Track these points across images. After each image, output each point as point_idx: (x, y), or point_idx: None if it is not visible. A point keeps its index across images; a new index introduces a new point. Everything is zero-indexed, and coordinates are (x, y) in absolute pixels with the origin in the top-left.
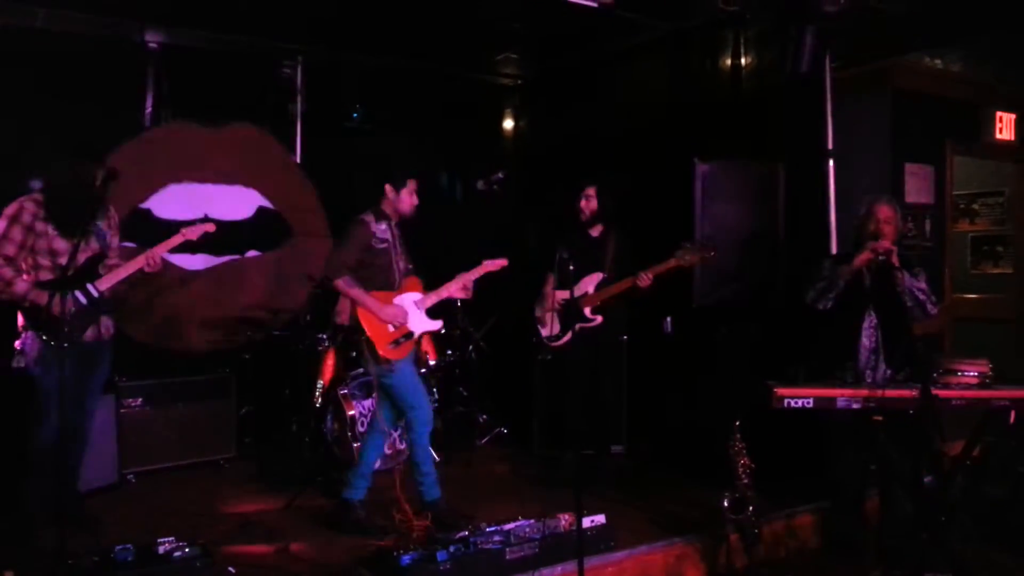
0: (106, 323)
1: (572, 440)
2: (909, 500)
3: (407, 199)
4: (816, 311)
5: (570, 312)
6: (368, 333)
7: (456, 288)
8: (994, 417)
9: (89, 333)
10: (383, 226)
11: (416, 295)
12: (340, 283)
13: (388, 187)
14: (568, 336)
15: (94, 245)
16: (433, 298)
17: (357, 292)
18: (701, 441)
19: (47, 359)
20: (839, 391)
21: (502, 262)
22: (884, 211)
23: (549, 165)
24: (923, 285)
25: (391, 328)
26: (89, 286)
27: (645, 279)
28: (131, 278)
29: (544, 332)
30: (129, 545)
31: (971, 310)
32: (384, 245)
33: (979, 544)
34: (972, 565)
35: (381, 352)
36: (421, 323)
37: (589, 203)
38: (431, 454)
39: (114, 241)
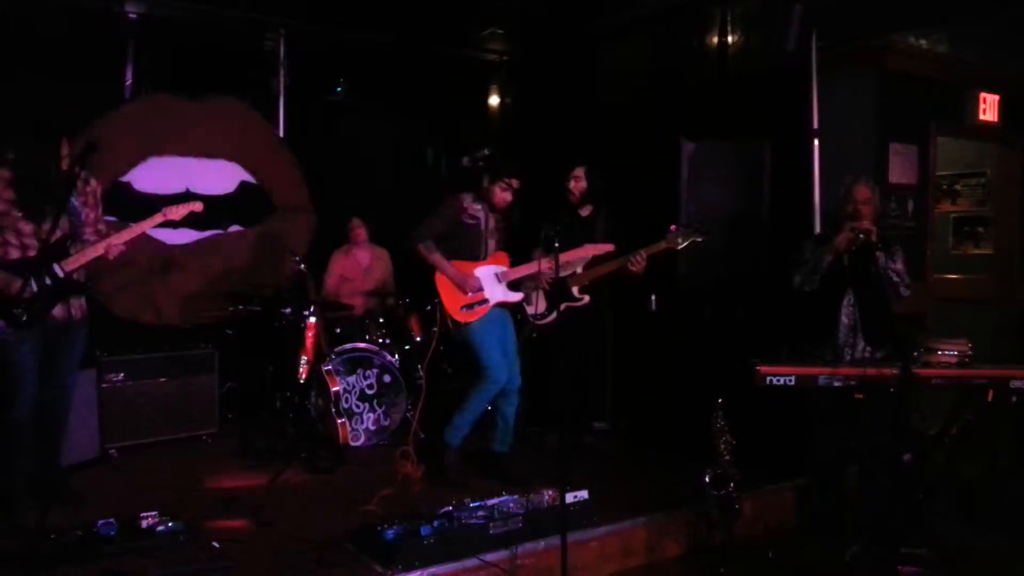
0: (77, 303)
1: (555, 418)
2: (887, 477)
3: (498, 194)
4: (801, 293)
5: (557, 291)
6: (442, 297)
7: (545, 266)
8: (973, 396)
9: (58, 311)
10: (479, 207)
11: (500, 268)
12: (421, 247)
13: (485, 178)
14: (555, 315)
15: (64, 224)
16: (514, 273)
17: (436, 258)
18: (684, 419)
19: (14, 340)
20: (821, 369)
21: (607, 247)
22: (862, 192)
23: (535, 143)
24: (899, 267)
25: (468, 294)
26: (55, 267)
27: (639, 261)
28: (95, 262)
29: (530, 310)
30: (112, 520)
31: (952, 290)
32: (474, 223)
33: (955, 521)
34: (948, 541)
35: (453, 315)
36: (499, 293)
37: (578, 183)
38: (473, 409)
39: (90, 215)
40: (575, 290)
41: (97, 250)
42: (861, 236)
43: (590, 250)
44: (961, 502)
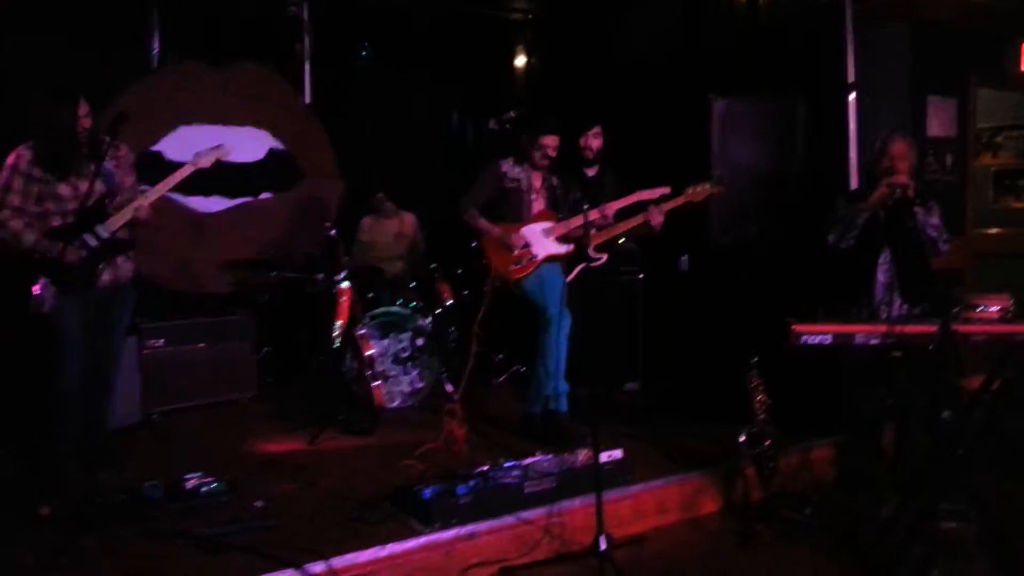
0: (124, 265)
1: (582, 379)
2: (926, 434)
3: (538, 154)
4: (837, 251)
5: (576, 252)
6: (491, 259)
7: (595, 215)
8: (1015, 352)
9: (106, 277)
10: (518, 169)
11: (547, 224)
12: (465, 217)
13: (524, 137)
14: (573, 275)
15: (100, 187)
16: (562, 228)
17: (479, 223)
18: (717, 379)
19: (63, 307)
20: (857, 327)
21: (663, 190)
22: (898, 147)
23: (561, 103)
24: (936, 221)
25: (515, 252)
26: (98, 228)
27: (658, 216)
28: (132, 222)
29: None
30: (156, 482)
31: (992, 245)
32: (514, 185)
33: (995, 476)
34: (987, 497)
35: (504, 274)
36: (547, 247)
37: (596, 141)
38: (553, 356)
39: (127, 180)
40: (591, 250)
41: (130, 211)
42: (897, 192)
43: (644, 195)
44: (1001, 458)
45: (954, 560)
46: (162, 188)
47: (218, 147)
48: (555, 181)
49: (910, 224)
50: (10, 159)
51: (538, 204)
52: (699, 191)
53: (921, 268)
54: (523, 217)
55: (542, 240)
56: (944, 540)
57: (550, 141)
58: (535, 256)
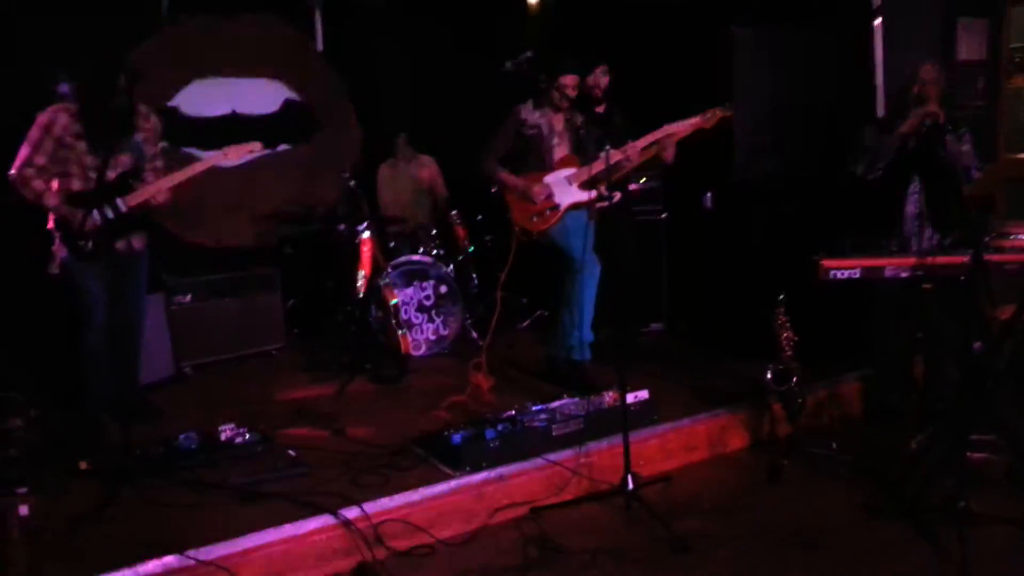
0: (137, 238)
1: (607, 320)
2: (956, 366)
3: (556, 94)
4: (866, 182)
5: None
6: (512, 210)
7: (618, 156)
8: None
9: (120, 245)
10: (537, 114)
11: (570, 170)
12: (485, 167)
13: (542, 79)
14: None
15: (124, 160)
16: (585, 173)
17: (500, 176)
18: (742, 317)
19: (83, 268)
20: (887, 260)
21: (695, 120)
22: (928, 72)
23: (576, 40)
24: (968, 148)
25: (537, 203)
26: (118, 201)
27: (670, 148)
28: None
29: None
30: (192, 433)
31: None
32: (534, 132)
33: None
34: (1016, 428)
35: (525, 225)
36: (571, 195)
37: (603, 79)
38: (578, 305)
39: (150, 151)
40: (602, 188)
41: (146, 193)
42: (928, 122)
43: (674, 128)
44: None
45: (983, 491)
46: (184, 174)
47: (248, 144)
48: (579, 121)
49: (941, 153)
50: (43, 118)
51: (561, 150)
52: (709, 117)
53: (952, 197)
54: (546, 164)
55: (565, 188)
56: (974, 471)
57: (569, 80)
58: (558, 206)
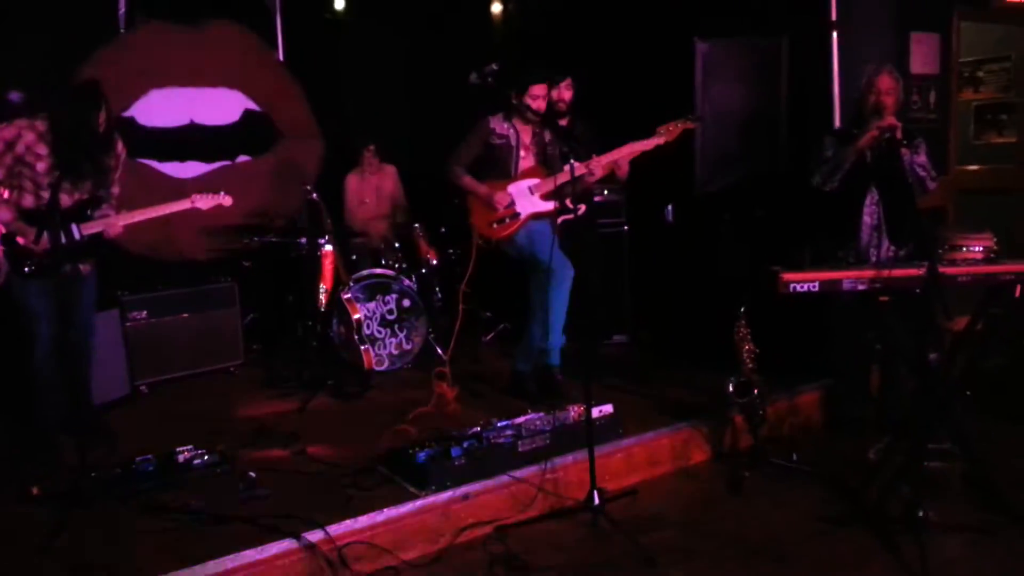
0: (85, 262)
1: (571, 332)
2: (912, 376)
3: (525, 105)
4: (823, 193)
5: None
6: (472, 216)
7: (582, 169)
8: (999, 291)
9: (66, 268)
10: (506, 125)
11: (533, 181)
12: (450, 173)
13: (512, 91)
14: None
15: (88, 186)
16: (546, 185)
17: (463, 181)
18: (705, 329)
19: (18, 283)
20: (844, 273)
21: (658, 140)
22: (885, 81)
23: (540, 52)
24: (922, 159)
25: (499, 210)
26: (73, 227)
27: (624, 165)
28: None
29: None
30: (150, 455)
31: (975, 181)
32: (502, 142)
33: (980, 415)
34: (972, 435)
35: (483, 231)
36: (532, 205)
37: (567, 92)
38: (552, 309)
39: (112, 176)
40: (567, 201)
41: (103, 223)
42: (886, 134)
43: (638, 146)
44: (987, 396)
45: (941, 499)
46: (146, 214)
47: (222, 196)
48: (547, 136)
49: (898, 165)
50: (7, 133)
51: (527, 161)
52: (672, 128)
53: (909, 209)
54: (510, 174)
55: (527, 197)
56: (931, 480)
57: (538, 90)
58: (519, 214)
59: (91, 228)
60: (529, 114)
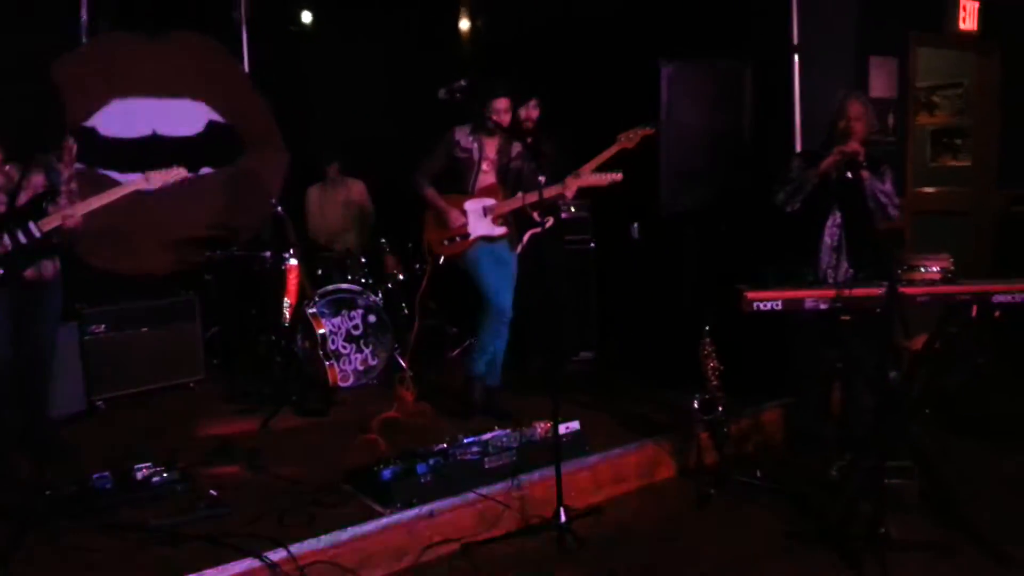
0: (50, 263)
1: (536, 347)
2: (872, 394)
3: (489, 119)
4: (784, 213)
5: (521, 221)
6: (425, 229)
7: (555, 190)
8: (957, 311)
9: (29, 272)
10: (471, 139)
11: (490, 201)
12: (415, 185)
13: (477, 105)
14: (520, 245)
15: (38, 180)
16: (500, 208)
17: (426, 192)
18: (670, 345)
19: None
20: (807, 292)
21: (615, 177)
22: (855, 108)
23: (508, 69)
24: (887, 187)
25: (451, 227)
26: (31, 225)
27: (572, 186)
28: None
29: None
30: (107, 472)
31: (930, 203)
32: (465, 155)
33: (938, 432)
34: (930, 452)
35: (433, 247)
36: (482, 227)
37: (535, 112)
38: (489, 342)
39: (64, 172)
40: (535, 215)
41: (59, 217)
42: (848, 159)
43: (603, 155)
44: (944, 414)
45: (902, 516)
46: (101, 200)
47: (172, 170)
48: (513, 152)
49: (860, 189)
50: None
51: (488, 177)
52: (632, 136)
53: (869, 233)
54: (466, 189)
55: (480, 219)
56: (891, 497)
57: (500, 104)
58: (468, 235)
59: (49, 223)
60: (491, 125)
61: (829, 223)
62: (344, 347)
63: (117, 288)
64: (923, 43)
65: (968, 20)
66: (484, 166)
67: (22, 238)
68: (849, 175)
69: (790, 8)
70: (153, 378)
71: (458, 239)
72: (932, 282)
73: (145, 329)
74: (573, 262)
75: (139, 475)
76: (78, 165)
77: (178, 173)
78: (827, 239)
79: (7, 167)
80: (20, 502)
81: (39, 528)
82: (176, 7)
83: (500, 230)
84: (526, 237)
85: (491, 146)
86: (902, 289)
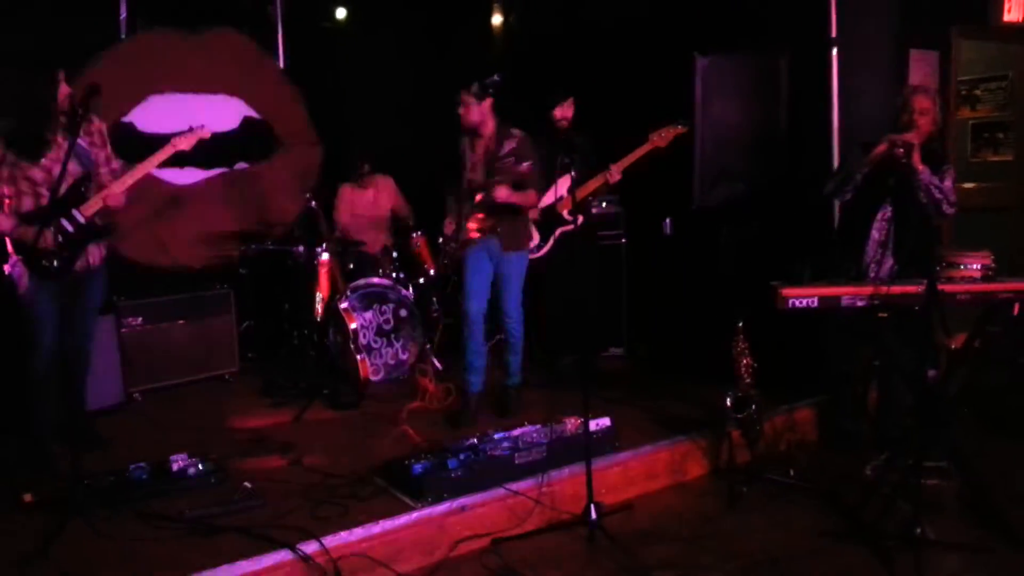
0: (95, 249)
1: (565, 344)
2: (910, 393)
3: (463, 115)
4: (824, 206)
5: (549, 219)
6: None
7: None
8: (997, 309)
9: (78, 263)
10: (464, 140)
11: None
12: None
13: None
14: (551, 243)
15: (73, 168)
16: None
17: (448, 202)
18: (701, 342)
19: (35, 289)
20: (844, 289)
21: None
22: (921, 101)
23: (541, 64)
24: (945, 183)
25: (448, 233)
26: (75, 213)
27: (615, 173)
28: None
29: None
30: (143, 464)
31: (971, 199)
32: (462, 155)
33: (976, 432)
34: (968, 452)
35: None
36: (463, 233)
37: (568, 111)
38: (471, 345)
39: (100, 155)
40: (564, 213)
41: (100, 198)
42: (900, 149)
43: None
44: (983, 413)
45: (938, 517)
46: (137, 173)
47: (198, 128)
48: (503, 151)
49: (912, 183)
50: None
51: (474, 176)
52: (664, 134)
53: (920, 230)
54: (462, 188)
55: (463, 225)
56: (928, 497)
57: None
58: (456, 244)
59: (91, 207)
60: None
61: (879, 216)
62: (375, 341)
63: (153, 282)
64: (966, 35)
65: (1013, 11)
66: (470, 165)
67: (68, 226)
68: (902, 169)
69: (828, 0)
70: (188, 370)
71: (452, 244)
72: (972, 279)
73: (181, 322)
74: (604, 258)
75: (175, 467)
76: (115, 163)
77: (203, 132)
78: (875, 233)
79: (44, 161)
80: (59, 492)
81: (77, 518)
82: (212, 4)
83: (474, 235)
84: (556, 234)
85: (479, 146)
86: (942, 287)
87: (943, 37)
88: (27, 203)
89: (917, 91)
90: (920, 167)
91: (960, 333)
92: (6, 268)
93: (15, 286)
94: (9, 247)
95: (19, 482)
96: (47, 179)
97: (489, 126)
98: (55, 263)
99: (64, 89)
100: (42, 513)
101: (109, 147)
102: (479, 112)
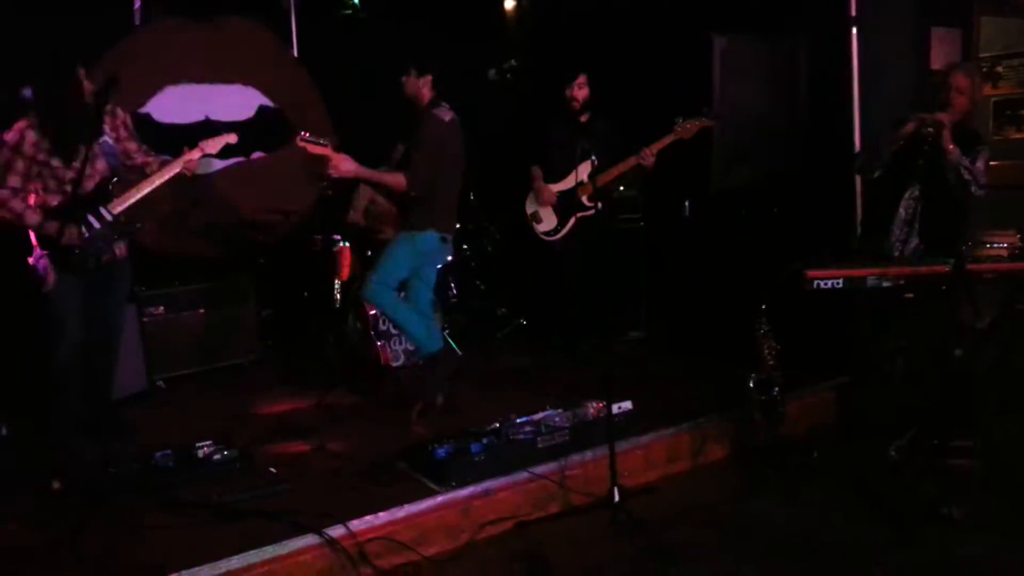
0: (120, 244)
1: (584, 329)
2: (937, 374)
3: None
4: (865, 181)
5: (566, 204)
6: None
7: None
8: None
9: (104, 257)
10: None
11: None
12: None
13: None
14: (568, 228)
15: (100, 166)
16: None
17: None
18: (721, 324)
19: (60, 283)
20: (869, 270)
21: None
22: (960, 80)
23: (555, 47)
24: (977, 164)
25: None
26: (102, 210)
27: (648, 156)
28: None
29: (542, 228)
30: (168, 451)
31: (994, 177)
32: None
33: (1002, 413)
34: (994, 433)
35: None
36: None
37: (582, 91)
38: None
39: (130, 146)
40: (584, 199)
41: (129, 199)
42: (929, 128)
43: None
44: (1011, 393)
45: (965, 498)
46: (164, 176)
47: (225, 134)
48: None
49: (943, 162)
50: (10, 137)
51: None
52: (689, 126)
53: (947, 210)
54: None
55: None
56: (954, 477)
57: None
58: None
59: (118, 205)
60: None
61: (907, 195)
62: (394, 328)
63: (174, 271)
64: (988, 12)
65: None
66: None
67: (95, 223)
68: (932, 147)
69: None
70: (210, 358)
71: None
72: (999, 258)
73: (201, 310)
74: (623, 241)
75: (200, 453)
76: (150, 157)
77: (229, 138)
78: (902, 211)
79: (75, 163)
80: (86, 481)
81: (105, 505)
82: None
83: None
84: (573, 220)
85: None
86: (969, 266)
87: (965, 14)
88: (54, 200)
89: (959, 69)
90: (950, 147)
91: (988, 313)
92: (30, 260)
93: (41, 280)
94: (34, 241)
95: (48, 471)
96: (75, 178)
97: None
98: (80, 258)
99: (88, 87)
100: (71, 502)
101: (136, 137)
102: None
